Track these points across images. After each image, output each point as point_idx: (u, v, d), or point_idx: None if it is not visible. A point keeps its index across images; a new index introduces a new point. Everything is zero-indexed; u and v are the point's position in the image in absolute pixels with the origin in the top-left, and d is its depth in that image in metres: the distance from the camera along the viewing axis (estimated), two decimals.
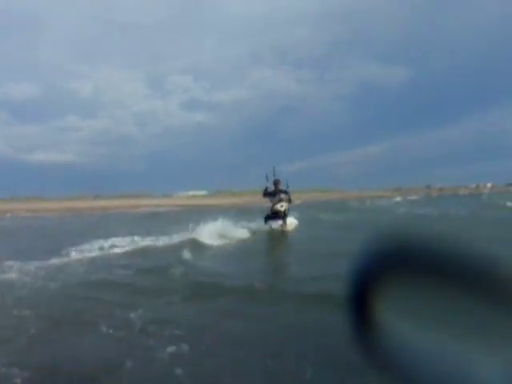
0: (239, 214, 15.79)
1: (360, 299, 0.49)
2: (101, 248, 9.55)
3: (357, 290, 0.50)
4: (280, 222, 12.29)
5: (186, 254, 8.01)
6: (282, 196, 12.16)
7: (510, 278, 0.40)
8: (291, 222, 12.68)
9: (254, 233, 11.62)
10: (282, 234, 11.98)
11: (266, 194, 12.38)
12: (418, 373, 0.46)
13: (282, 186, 12.35)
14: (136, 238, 10.85)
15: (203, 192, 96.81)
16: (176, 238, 10.68)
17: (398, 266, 0.47)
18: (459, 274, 0.42)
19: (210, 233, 10.48)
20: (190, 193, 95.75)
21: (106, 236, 10.95)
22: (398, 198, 45.90)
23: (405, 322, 0.47)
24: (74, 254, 8.69)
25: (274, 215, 12.21)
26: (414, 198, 50.15)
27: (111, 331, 3.94)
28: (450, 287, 0.43)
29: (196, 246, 9.37)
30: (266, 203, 12.68)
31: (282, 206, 12.10)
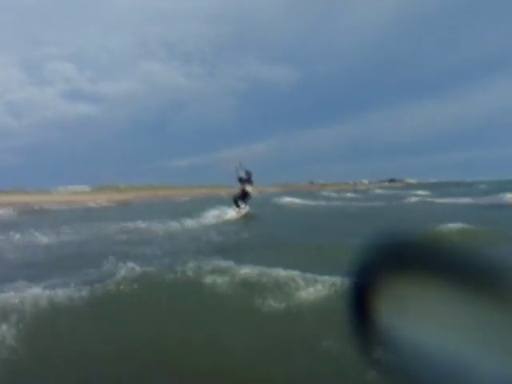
0: None
1: (361, 299, 0.51)
2: None
3: (358, 289, 0.52)
4: (243, 205, 16.82)
5: None
6: (251, 183, 17.00)
7: (506, 276, 0.40)
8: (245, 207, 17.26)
9: None
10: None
11: (240, 180, 16.88)
12: (418, 372, 0.48)
13: (251, 178, 17.17)
14: None
15: (85, 187, 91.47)
16: None
17: (399, 266, 0.49)
18: (458, 274, 0.43)
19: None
20: (70, 188, 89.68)
21: None
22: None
23: (406, 322, 0.49)
24: None
25: (244, 195, 16.91)
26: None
27: None
28: (451, 286, 0.44)
29: None
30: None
31: (249, 188, 16.91)
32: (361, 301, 0.51)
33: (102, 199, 44.40)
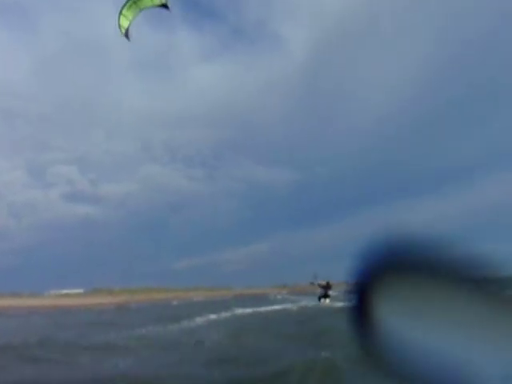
0: None
1: (361, 299, 0.52)
2: None
3: (358, 290, 0.52)
4: (326, 300, 25.10)
5: None
6: (330, 288, 25.62)
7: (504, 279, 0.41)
8: (328, 301, 25.41)
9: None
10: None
11: (320, 285, 25.79)
12: (418, 371, 0.48)
13: (323, 281, 25.89)
14: None
15: (79, 290, 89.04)
16: None
17: (398, 267, 0.50)
18: (457, 274, 0.45)
19: None
20: (64, 291, 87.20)
21: None
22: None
23: (405, 321, 0.50)
24: None
25: (325, 295, 25.12)
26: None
27: None
28: (449, 287, 0.46)
29: None
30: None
31: (329, 291, 25.24)
32: (362, 301, 0.52)
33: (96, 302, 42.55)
